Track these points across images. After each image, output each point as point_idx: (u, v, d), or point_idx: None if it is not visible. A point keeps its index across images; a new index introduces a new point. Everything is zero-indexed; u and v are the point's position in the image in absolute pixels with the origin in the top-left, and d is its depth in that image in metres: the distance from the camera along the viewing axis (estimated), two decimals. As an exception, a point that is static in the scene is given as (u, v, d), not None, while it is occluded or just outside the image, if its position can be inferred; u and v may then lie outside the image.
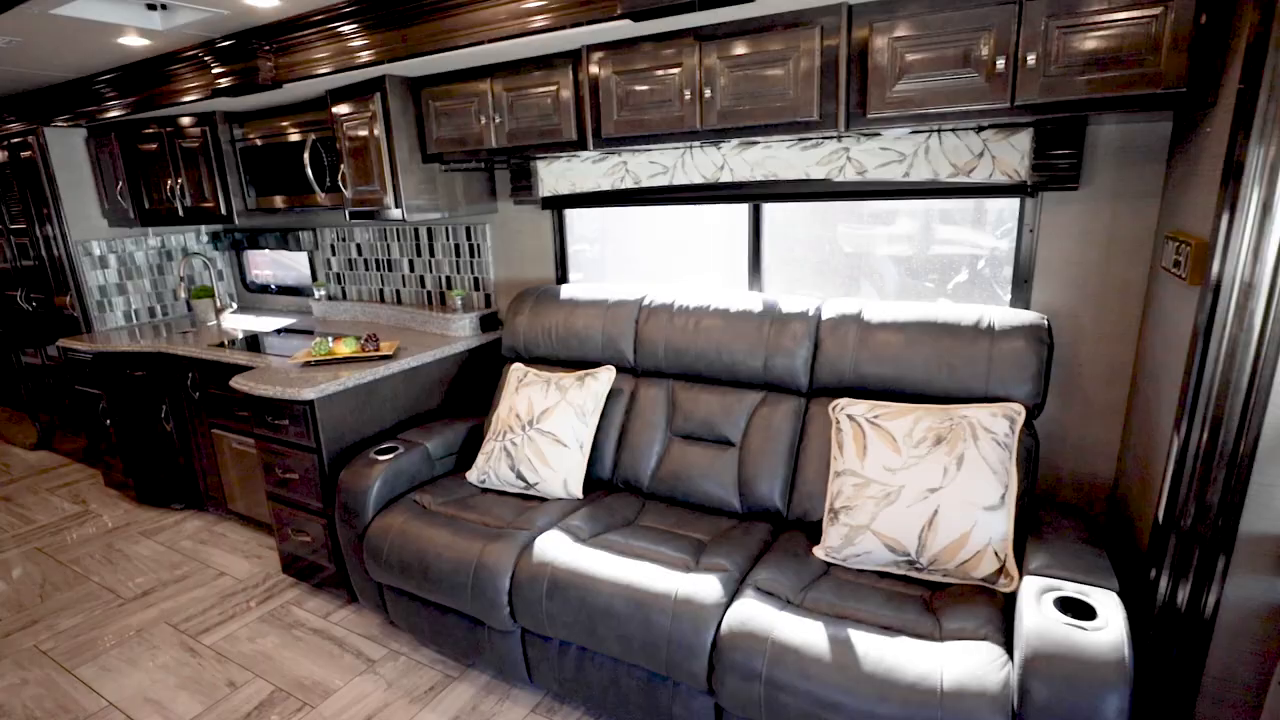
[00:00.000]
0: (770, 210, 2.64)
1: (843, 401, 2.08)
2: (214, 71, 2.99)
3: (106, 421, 3.68)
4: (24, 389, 4.75)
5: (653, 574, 1.89)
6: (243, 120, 3.48)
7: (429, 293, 3.60)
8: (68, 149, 3.84)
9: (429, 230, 3.49)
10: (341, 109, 2.91)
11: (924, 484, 1.84)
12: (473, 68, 2.62)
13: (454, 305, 3.32)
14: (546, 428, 2.44)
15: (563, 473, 2.40)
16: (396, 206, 2.86)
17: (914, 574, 1.86)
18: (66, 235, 3.87)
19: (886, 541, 1.86)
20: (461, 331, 3.23)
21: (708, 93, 2.12)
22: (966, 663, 1.51)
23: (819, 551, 1.99)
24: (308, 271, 4.14)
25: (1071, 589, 1.56)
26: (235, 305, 4.47)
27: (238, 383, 2.72)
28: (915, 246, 2.53)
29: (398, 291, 3.73)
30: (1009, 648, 1.55)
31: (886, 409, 2.00)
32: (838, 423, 2.06)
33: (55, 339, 3.94)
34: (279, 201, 3.47)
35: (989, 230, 2.38)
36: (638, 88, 2.25)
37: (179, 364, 3.41)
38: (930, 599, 1.79)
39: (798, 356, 2.27)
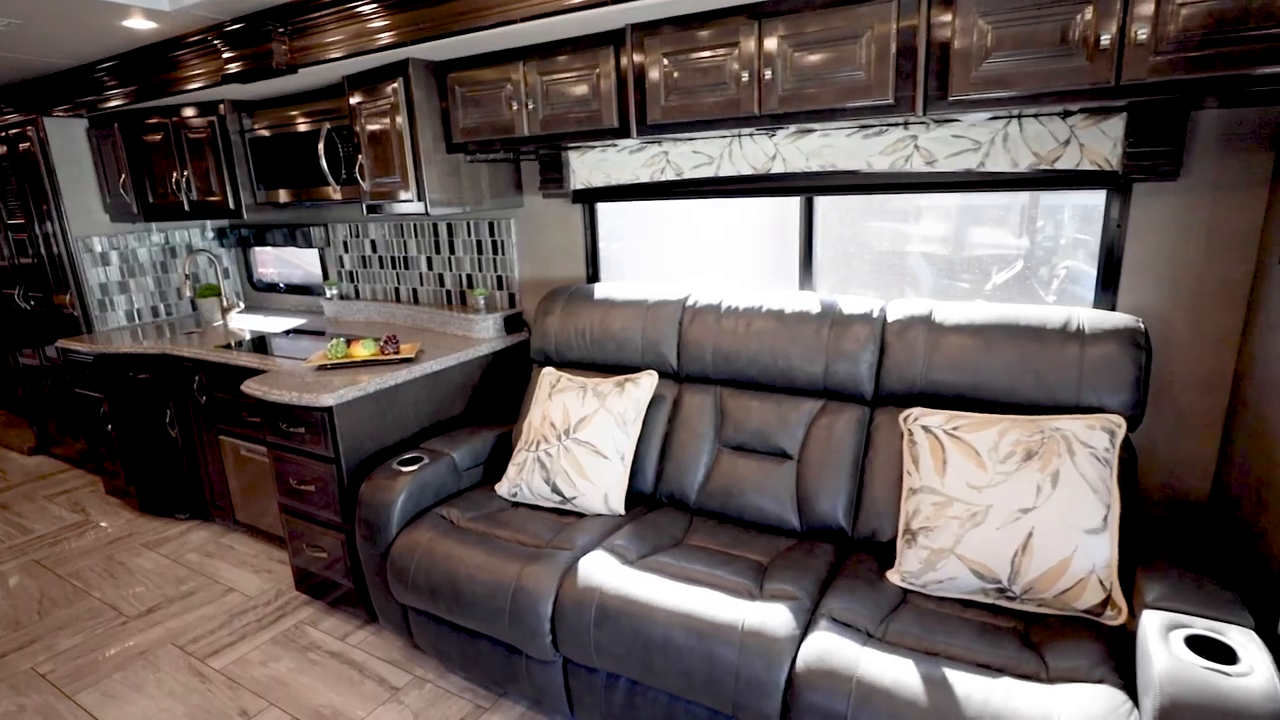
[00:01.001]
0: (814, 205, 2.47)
1: (915, 411, 1.91)
2: (224, 56, 2.81)
3: (108, 426, 3.49)
4: (21, 391, 4.57)
5: (714, 601, 1.72)
6: (252, 109, 3.30)
7: (448, 292, 3.42)
8: (68, 140, 3.65)
9: (449, 225, 3.31)
10: (360, 96, 2.73)
11: (1015, 504, 1.67)
12: (503, 50, 2.44)
13: (476, 305, 3.14)
14: (584, 438, 2.26)
15: (603, 486, 2.23)
16: (419, 200, 2.68)
17: (1004, 603, 1.68)
18: (66, 231, 3.69)
19: (973, 567, 1.68)
20: (485, 333, 3.05)
21: (767, 74, 1.94)
22: (1085, 709, 1.34)
23: (894, 576, 1.81)
24: (318, 269, 3.96)
25: (1201, 626, 1.39)
26: (242, 304, 4.29)
27: (250, 387, 2.54)
28: (950, 246, 2.37)
29: (414, 290, 3.55)
30: (1130, 691, 1.38)
31: (966, 420, 1.82)
32: (911, 434, 1.89)
33: (54, 339, 3.76)
34: (289, 195, 3.28)
35: (1024, 230, 2.23)
36: (688, 70, 2.07)
37: (184, 366, 3.23)
38: (1027, 632, 1.61)
39: (861, 361, 2.09)
